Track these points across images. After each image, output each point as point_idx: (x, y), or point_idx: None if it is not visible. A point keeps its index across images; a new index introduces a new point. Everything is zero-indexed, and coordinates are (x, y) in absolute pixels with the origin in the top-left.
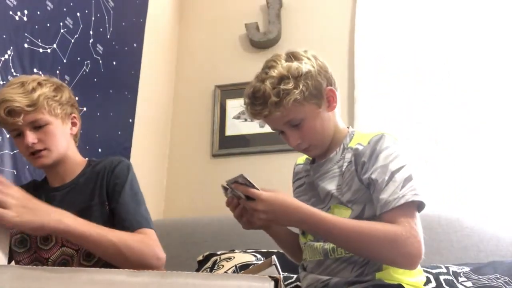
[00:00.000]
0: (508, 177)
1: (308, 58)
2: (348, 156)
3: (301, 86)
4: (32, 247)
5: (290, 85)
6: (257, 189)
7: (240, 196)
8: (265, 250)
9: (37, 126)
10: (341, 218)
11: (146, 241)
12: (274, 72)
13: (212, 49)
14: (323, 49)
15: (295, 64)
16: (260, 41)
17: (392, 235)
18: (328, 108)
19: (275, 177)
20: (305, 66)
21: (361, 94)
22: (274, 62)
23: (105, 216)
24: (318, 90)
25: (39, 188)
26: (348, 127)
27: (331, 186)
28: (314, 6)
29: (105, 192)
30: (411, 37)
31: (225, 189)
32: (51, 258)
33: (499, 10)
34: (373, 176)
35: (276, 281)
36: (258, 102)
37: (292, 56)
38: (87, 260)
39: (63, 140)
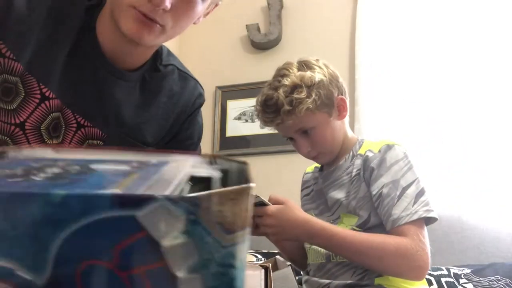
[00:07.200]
0: (509, 178)
1: (320, 67)
2: (358, 162)
3: (313, 95)
4: None
5: (303, 94)
6: (268, 204)
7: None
8: (266, 251)
9: None
10: (351, 231)
11: None
12: (287, 81)
13: (213, 50)
14: (324, 50)
15: (308, 74)
16: (261, 42)
17: (402, 249)
18: (339, 116)
19: (275, 178)
20: (318, 75)
21: (362, 96)
22: (286, 71)
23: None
24: (330, 99)
25: None
26: (357, 137)
27: (340, 194)
28: (315, 7)
29: None
30: (412, 38)
31: None
32: (27, 120)
33: (499, 10)
34: (384, 191)
35: (266, 269)
36: (271, 110)
37: (304, 65)
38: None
39: None
